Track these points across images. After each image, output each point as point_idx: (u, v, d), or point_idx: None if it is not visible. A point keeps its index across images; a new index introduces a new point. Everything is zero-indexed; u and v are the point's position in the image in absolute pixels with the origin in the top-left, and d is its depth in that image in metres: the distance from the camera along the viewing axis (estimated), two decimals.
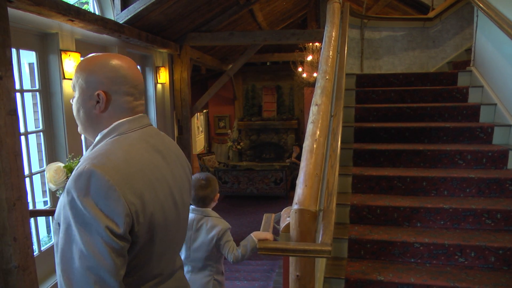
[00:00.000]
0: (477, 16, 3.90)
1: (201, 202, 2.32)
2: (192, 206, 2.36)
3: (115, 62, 1.20)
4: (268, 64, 12.11)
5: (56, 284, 3.30)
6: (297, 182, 1.58)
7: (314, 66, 7.65)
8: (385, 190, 3.01)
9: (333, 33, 2.90)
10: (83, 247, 1.01)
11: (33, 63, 3.52)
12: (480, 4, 3.47)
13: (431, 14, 5.40)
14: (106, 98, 1.18)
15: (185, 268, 2.37)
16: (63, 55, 3.48)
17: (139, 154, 1.16)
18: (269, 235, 2.12)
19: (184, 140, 6.43)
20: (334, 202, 1.81)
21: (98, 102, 1.19)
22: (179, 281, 1.35)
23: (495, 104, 3.49)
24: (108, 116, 1.20)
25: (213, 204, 2.39)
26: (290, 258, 1.51)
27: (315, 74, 7.63)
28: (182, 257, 2.36)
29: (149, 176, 1.14)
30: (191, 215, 2.33)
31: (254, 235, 2.17)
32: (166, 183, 1.20)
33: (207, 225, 2.28)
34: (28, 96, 3.45)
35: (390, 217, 2.77)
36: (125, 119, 1.21)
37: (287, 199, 9.18)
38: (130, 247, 1.09)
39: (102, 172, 1.03)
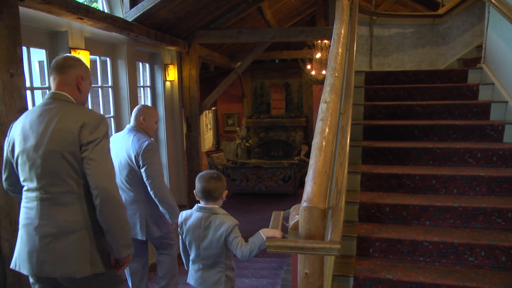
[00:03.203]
0: (489, 12, 3.85)
1: (210, 195, 2.30)
2: (199, 205, 2.36)
3: None
4: (276, 61, 12.07)
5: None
6: (306, 179, 1.58)
7: (323, 63, 7.63)
8: (394, 188, 2.99)
9: (342, 30, 2.89)
10: None
11: (43, 61, 3.56)
12: (493, 0, 3.42)
13: (441, 11, 5.35)
14: None
15: (196, 266, 2.37)
16: (72, 53, 3.50)
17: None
18: (277, 233, 2.11)
19: (192, 137, 6.44)
20: (343, 200, 1.81)
21: None
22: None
23: (507, 102, 3.44)
24: None
25: (221, 202, 2.38)
26: (299, 255, 1.51)
27: (323, 72, 7.61)
28: (193, 255, 2.37)
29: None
30: (198, 214, 2.33)
31: (263, 232, 2.17)
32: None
33: (215, 223, 2.28)
34: (38, 93, 3.48)
35: (399, 215, 2.76)
36: None
37: (296, 197, 9.17)
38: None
39: None
